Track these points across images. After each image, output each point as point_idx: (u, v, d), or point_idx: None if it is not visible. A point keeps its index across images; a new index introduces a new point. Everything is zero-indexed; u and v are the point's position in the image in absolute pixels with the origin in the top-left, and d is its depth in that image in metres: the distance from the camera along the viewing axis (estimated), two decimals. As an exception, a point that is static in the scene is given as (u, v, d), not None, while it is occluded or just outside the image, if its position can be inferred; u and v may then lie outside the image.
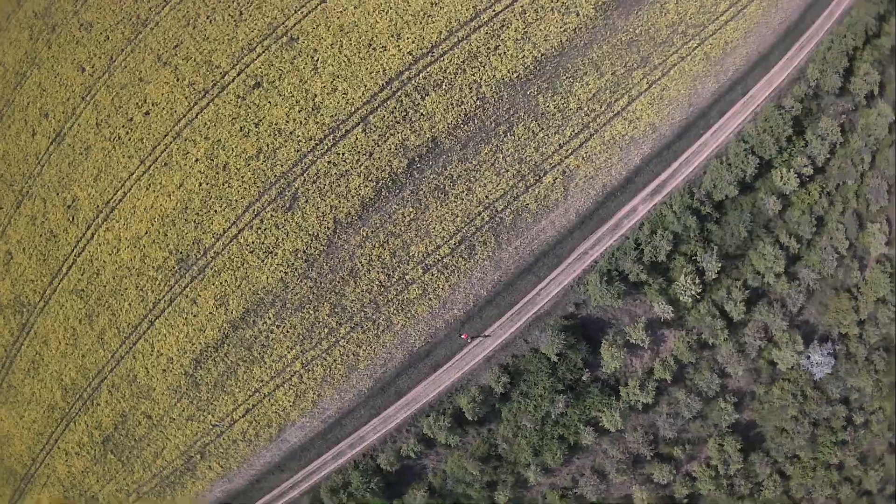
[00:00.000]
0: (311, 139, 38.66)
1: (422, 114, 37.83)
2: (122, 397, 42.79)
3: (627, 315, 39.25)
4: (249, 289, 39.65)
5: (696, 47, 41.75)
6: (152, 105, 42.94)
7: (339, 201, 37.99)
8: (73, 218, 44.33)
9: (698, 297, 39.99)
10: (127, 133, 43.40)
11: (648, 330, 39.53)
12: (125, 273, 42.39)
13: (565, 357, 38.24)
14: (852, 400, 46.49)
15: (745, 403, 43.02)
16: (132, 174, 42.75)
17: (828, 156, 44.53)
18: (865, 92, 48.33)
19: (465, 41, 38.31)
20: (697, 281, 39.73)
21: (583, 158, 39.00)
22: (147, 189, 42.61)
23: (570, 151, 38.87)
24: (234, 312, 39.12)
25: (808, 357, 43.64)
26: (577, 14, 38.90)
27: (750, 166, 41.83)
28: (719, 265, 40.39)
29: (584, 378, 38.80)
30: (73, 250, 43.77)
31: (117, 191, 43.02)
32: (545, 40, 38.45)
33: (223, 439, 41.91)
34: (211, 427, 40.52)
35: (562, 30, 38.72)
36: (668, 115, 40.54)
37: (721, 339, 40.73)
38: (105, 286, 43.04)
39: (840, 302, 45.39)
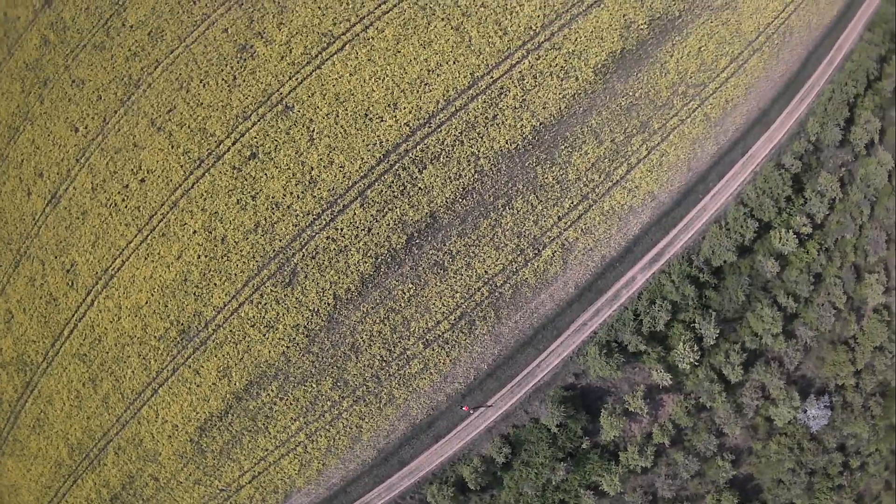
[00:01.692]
0: (308, 213, 38.46)
1: (420, 188, 37.61)
2: (129, 459, 43.36)
3: (626, 383, 39.63)
4: (252, 362, 39.86)
5: (696, 108, 41.24)
6: (148, 172, 42.50)
7: (339, 277, 38.00)
8: (72, 283, 44.32)
9: (696, 363, 40.31)
10: (123, 200, 43.10)
11: (647, 397, 40.03)
12: (127, 341, 42.56)
13: (565, 427, 38.84)
14: (848, 446, 47.26)
15: (742, 459, 43.59)
16: (130, 243, 42.53)
17: (827, 212, 44.57)
18: (865, 141, 48.05)
19: (462, 111, 37.82)
20: (696, 348, 39.96)
21: (581, 230, 38.84)
22: (146, 259, 42.47)
23: (568, 224, 38.69)
24: (237, 384, 39.46)
25: (805, 411, 44.17)
26: (577, 79, 38.31)
27: (749, 230, 41.78)
28: (717, 331, 40.65)
29: (583, 446, 39.42)
30: (73, 315, 43.88)
31: (116, 259, 42.93)
32: (544, 108, 37.91)
33: (230, 503, 42.81)
34: (218, 491, 41.23)
35: (560, 96, 38.19)
36: (668, 182, 40.32)
37: (719, 402, 41.11)
38: (108, 352, 43.25)
39: (837, 355, 45.58)
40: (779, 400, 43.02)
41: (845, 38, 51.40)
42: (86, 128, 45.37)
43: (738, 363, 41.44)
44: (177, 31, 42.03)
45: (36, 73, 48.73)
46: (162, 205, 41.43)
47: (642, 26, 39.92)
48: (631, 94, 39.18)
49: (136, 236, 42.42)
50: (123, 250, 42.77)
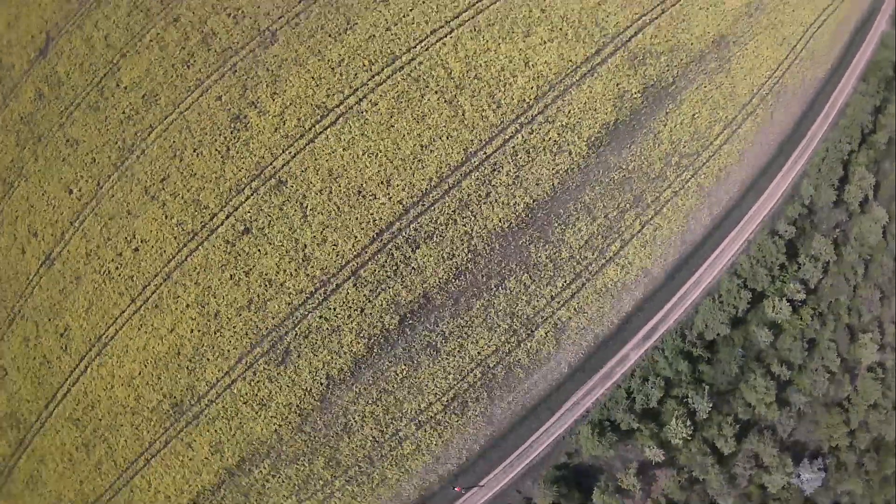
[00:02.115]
0: (301, 292, 38.27)
1: (413, 268, 37.38)
2: (122, 523, 43.44)
3: (619, 460, 39.29)
4: (244, 438, 39.53)
5: (690, 179, 41.04)
6: (142, 241, 42.22)
7: (332, 357, 37.73)
8: (66, 347, 44.09)
9: (689, 437, 39.95)
10: (117, 268, 42.80)
11: (640, 473, 39.68)
12: (120, 410, 42.29)
13: (558, 505, 39.66)
14: (843, 502, 47.31)
15: (735, 527, 44.56)
16: (123, 312, 42.23)
17: (821, 276, 44.51)
18: (860, 199, 47.96)
19: (456, 188, 37.69)
20: (688, 423, 39.68)
21: (575, 309, 38.57)
22: (139, 329, 42.19)
23: (561, 303, 38.48)
24: (229, 460, 39.23)
25: (799, 475, 43.73)
26: (570, 153, 38.19)
27: (742, 301, 41.62)
28: (710, 405, 40.36)
29: (576, 523, 40.31)
30: (67, 379, 43.61)
31: (109, 327, 42.65)
32: (537, 184, 37.70)
33: (223, 571, 42.61)
34: None
35: (554, 171, 38.02)
36: (661, 256, 40.07)
37: (712, 474, 40.70)
38: (101, 419, 42.98)
39: (831, 417, 45.32)
40: (772, 467, 42.61)
41: (839, 92, 50.97)
42: (80, 190, 45.18)
43: (730, 435, 41.14)
44: (171, 96, 41.93)
45: (30, 127, 48.64)
46: (155, 276, 41.25)
47: (636, 95, 39.76)
48: (624, 167, 39.03)
49: (129, 306, 42.23)
50: (117, 319, 42.55)
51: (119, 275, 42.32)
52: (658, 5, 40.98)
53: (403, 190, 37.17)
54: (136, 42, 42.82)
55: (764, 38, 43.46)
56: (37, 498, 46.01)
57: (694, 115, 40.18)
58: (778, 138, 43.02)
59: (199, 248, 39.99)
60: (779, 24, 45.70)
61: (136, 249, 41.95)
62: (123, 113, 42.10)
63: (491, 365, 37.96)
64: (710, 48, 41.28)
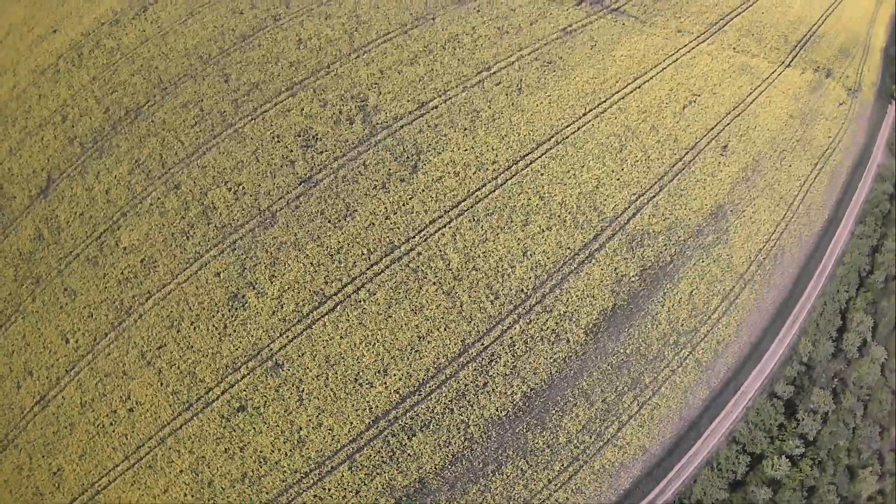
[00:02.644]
0: (296, 472, 38.12)
1: (409, 454, 37.25)
2: None
3: None
4: None
5: (688, 356, 41.26)
6: (136, 403, 42.17)
7: (326, 538, 38.76)
8: (58, 485, 43.76)
9: None
10: (111, 424, 42.72)
11: None
12: (112, 564, 42.55)
13: None
14: None
15: None
16: (117, 466, 42.10)
17: (819, 427, 44.57)
18: (858, 344, 48.11)
19: (453, 378, 37.64)
20: None
21: (572, 491, 38.42)
22: (132, 485, 41.95)
23: (559, 485, 38.33)
24: None
25: None
26: (568, 341, 38.15)
27: (741, 466, 41.70)
28: (708, 576, 41.66)
29: None
30: (60, 518, 43.95)
31: (102, 477, 42.44)
32: (534, 373, 37.79)
33: None
34: None
35: (551, 360, 38.03)
36: (659, 434, 40.16)
37: None
38: (92, 569, 43.27)
39: (832, 559, 46.71)
40: None
41: (836, 241, 51.04)
42: (76, 342, 45.11)
43: None
44: (169, 266, 42.04)
45: (29, 266, 48.54)
46: (150, 438, 41.22)
47: (634, 278, 39.98)
48: (622, 351, 39.08)
49: (122, 461, 42.05)
50: (110, 471, 42.33)
51: (113, 431, 42.17)
52: (656, 183, 41.39)
53: (400, 380, 37.10)
54: (137, 203, 42.97)
55: (761, 200, 43.96)
56: None
57: (692, 291, 40.42)
58: (776, 302, 43.26)
59: (195, 418, 40.05)
60: (775, 183, 46.05)
61: (131, 410, 41.85)
62: (122, 274, 42.17)
63: (486, 549, 39.10)
64: (707, 221, 41.53)
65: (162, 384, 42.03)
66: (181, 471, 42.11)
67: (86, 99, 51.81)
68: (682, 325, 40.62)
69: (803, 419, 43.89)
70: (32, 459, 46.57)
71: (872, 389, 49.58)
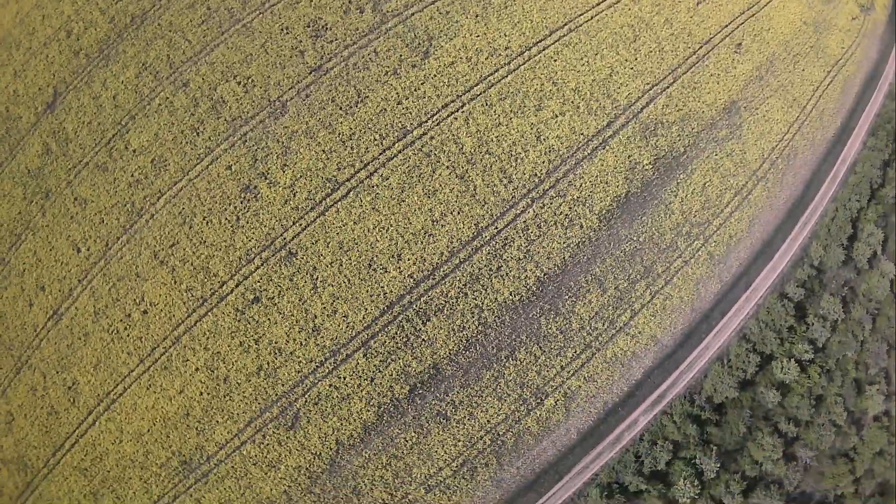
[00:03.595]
0: (311, 361, 38.36)
1: (423, 339, 37.47)
2: (132, 572, 43.90)
3: (626, 522, 40.91)
4: (253, 498, 39.91)
5: (700, 248, 41.13)
6: (150, 305, 42.21)
7: (342, 424, 38.00)
8: (73, 400, 44.23)
9: (697, 495, 40.66)
10: (125, 329, 42.85)
11: (647, 536, 41.43)
12: (128, 464, 42.54)
13: (565, 566, 40.19)
14: None
15: (738, 580, 45.18)
16: (132, 371, 42.38)
17: (829, 334, 44.67)
18: (868, 255, 48.23)
19: (466, 262, 37.68)
20: (696, 482, 40.26)
21: (584, 378, 38.86)
22: (148, 388, 42.35)
23: (571, 373, 38.71)
24: (238, 519, 40.76)
25: (804, 529, 45.66)
26: (581, 226, 38.13)
27: (751, 365, 42.03)
28: (718, 465, 40.94)
29: (582, 584, 40.95)
30: (75, 430, 43.79)
31: (118, 384, 42.78)
32: (548, 258, 37.77)
33: None
34: None
35: (565, 245, 38.01)
36: (671, 325, 40.26)
37: (718, 533, 42.76)
38: (109, 471, 43.26)
39: (837, 468, 45.77)
40: (778, 523, 44.73)
41: (849, 149, 50.86)
42: (88, 249, 45.05)
43: (738, 491, 41.65)
44: (180, 163, 41.64)
45: (38, 181, 48.43)
46: (164, 339, 41.22)
47: (647, 166, 39.83)
48: (635, 238, 38.99)
49: (137, 366, 42.29)
50: (125, 377, 42.63)
51: (128, 335, 42.38)
52: (669, 74, 40.96)
53: (414, 264, 37.13)
54: (145, 105, 42.50)
55: (774, 100, 43.50)
56: (45, 543, 46.74)
57: (705, 183, 40.29)
58: (788, 202, 43.17)
59: (209, 314, 40.02)
60: (789, 84, 45.63)
61: (145, 312, 41.96)
62: (132, 176, 41.91)
63: (500, 432, 38.23)
64: (720, 115, 41.25)
65: (175, 282, 41.90)
66: (196, 369, 42.31)
67: (90, 12, 50.88)
68: (695, 216, 40.52)
69: (813, 324, 43.94)
70: (47, 377, 46.92)
71: (881, 304, 49.82)
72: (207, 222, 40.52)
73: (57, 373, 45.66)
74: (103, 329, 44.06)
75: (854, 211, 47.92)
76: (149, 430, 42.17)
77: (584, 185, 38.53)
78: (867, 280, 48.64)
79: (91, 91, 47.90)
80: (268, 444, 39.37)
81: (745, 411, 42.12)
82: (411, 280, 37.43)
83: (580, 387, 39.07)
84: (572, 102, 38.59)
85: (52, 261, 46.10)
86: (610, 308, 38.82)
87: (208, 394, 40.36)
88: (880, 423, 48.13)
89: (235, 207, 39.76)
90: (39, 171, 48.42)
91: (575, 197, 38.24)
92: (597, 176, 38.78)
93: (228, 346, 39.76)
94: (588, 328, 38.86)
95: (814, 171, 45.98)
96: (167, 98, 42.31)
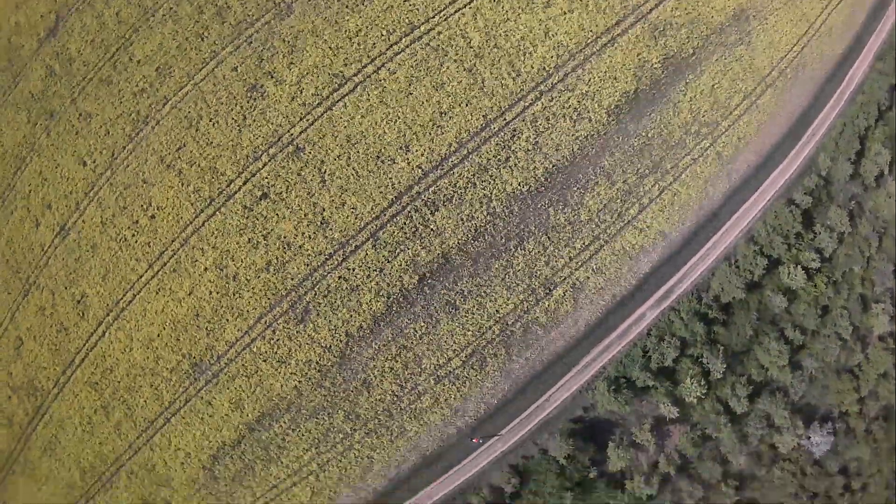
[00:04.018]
0: (320, 254, 38.55)
1: (432, 230, 37.69)
2: (142, 484, 44.14)
3: (634, 415, 40.27)
4: (264, 395, 40.40)
5: (709, 147, 41.24)
6: (158, 209, 42.28)
7: (351, 316, 38.28)
8: (83, 314, 44.57)
9: (703, 395, 41.07)
10: (133, 235, 42.99)
11: (654, 429, 40.69)
12: (139, 372, 43.01)
13: (573, 458, 39.75)
14: (851, 469, 47.90)
15: (745, 484, 44.28)
16: (141, 277, 42.57)
17: (835, 246, 45.05)
18: (875, 174, 48.37)
19: (475, 153, 37.86)
20: (703, 382, 40.68)
21: (593, 270, 39.07)
22: (157, 293, 42.61)
23: (580, 264, 38.98)
24: (249, 416, 40.03)
25: (809, 438, 44.85)
26: (590, 120, 38.28)
27: (758, 267, 42.24)
28: (724, 365, 41.29)
29: (590, 475, 40.31)
30: (84, 344, 44.22)
31: (127, 292, 43.04)
32: (556, 150, 37.88)
33: (243, 527, 43.73)
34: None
35: (573, 138, 38.15)
36: (679, 221, 40.43)
37: (724, 433, 41.85)
38: (119, 382, 43.73)
39: (842, 383, 46.30)
40: (783, 428, 43.74)
41: (857, 68, 51.09)
42: (94, 162, 45.06)
43: (744, 395, 42.17)
44: (185, 69, 41.56)
45: (42, 104, 48.31)
46: (172, 241, 41.31)
47: (656, 65, 39.78)
48: (644, 134, 39.13)
49: (146, 271, 42.42)
50: (134, 284, 42.87)
51: (136, 241, 42.53)
52: (677, -27, 41.17)
53: (422, 155, 37.28)
54: (149, 17, 42.29)
55: (783, 13, 43.15)
56: (55, 463, 46.94)
57: (714, 85, 40.24)
58: (796, 111, 43.11)
59: (217, 213, 40.06)
60: (796, -3, 45.68)
61: (153, 216, 42.03)
62: (137, 86, 41.84)
63: (509, 323, 38.58)
64: (729, 21, 41.07)
65: (183, 184, 41.90)
66: (205, 269, 42.39)
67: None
68: (704, 116, 40.56)
69: (820, 233, 44.10)
70: (55, 295, 47.22)
71: (888, 224, 50.25)
72: (214, 123, 40.52)
73: (65, 288, 45.89)
74: (111, 238, 44.05)
75: (861, 129, 47.94)
76: (159, 336, 42.52)
77: (592, 79, 38.54)
78: (874, 198, 48.98)
79: (94, 11, 47.45)
80: (278, 340, 39.55)
81: (752, 314, 42.39)
82: (419, 171, 37.64)
83: (588, 278, 39.32)
84: (581, 0, 38.56)
85: (58, 178, 46.20)
86: (618, 201, 39.06)
87: (218, 293, 40.37)
88: (885, 343, 48.54)
89: (242, 107, 39.78)
90: (43, 94, 48.29)
91: (583, 91, 38.25)
92: (605, 72, 38.77)
93: (237, 243, 39.81)
94: (596, 220, 39.10)
95: (822, 84, 45.95)
96: (171, 8, 42.11)
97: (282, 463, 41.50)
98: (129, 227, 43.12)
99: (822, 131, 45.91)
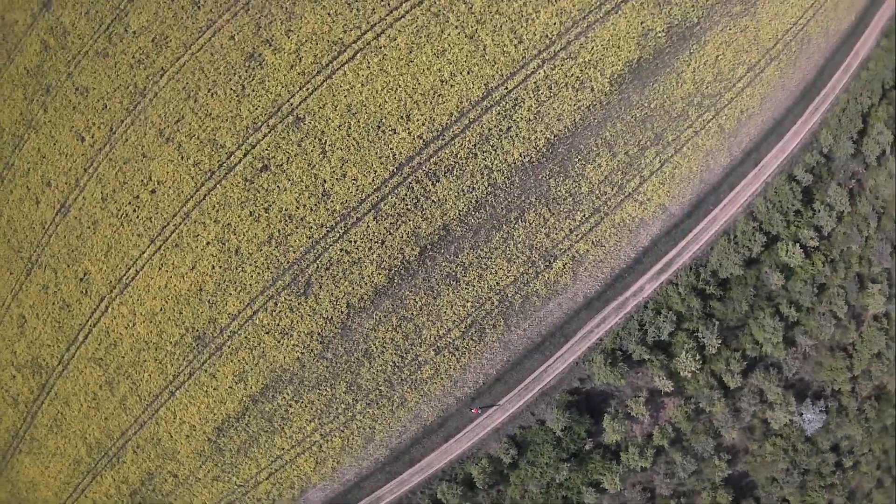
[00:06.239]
0: (322, 226, 38.61)
1: (433, 201, 37.73)
2: (148, 457, 44.97)
3: (630, 388, 40.90)
4: (267, 367, 40.89)
5: (711, 119, 41.06)
6: (158, 183, 42.10)
7: (353, 288, 38.51)
8: (86, 290, 44.72)
9: (698, 370, 41.54)
10: (134, 211, 42.86)
11: (648, 401, 41.38)
12: (143, 346, 43.42)
13: (570, 429, 40.42)
14: (842, 447, 48.87)
15: (738, 458, 45.30)
16: (143, 253, 42.55)
17: (834, 224, 45.16)
18: (877, 153, 48.29)
19: (476, 123, 37.62)
20: (698, 356, 41.11)
21: (592, 243, 39.27)
22: (160, 269, 42.64)
23: (580, 236, 39.12)
24: (253, 388, 40.61)
25: (801, 414, 45.59)
26: (592, 89, 37.87)
27: (757, 244, 42.39)
28: (719, 340, 41.71)
29: (586, 447, 41.14)
30: (88, 321, 44.48)
31: (129, 268, 43.09)
32: (558, 120, 37.64)
33: (248, 497, 44.66)
34: (236, 487, 42.71)
35: (575, 107, 37.83)
36: (679, 194, 40.47)
37: (718, 406, 42.55)
38: (123, 357, 44.16)
39: (835, 361, 46.86)
40: (776, 404, 44.50)
41: (862, 44, 50.39)
42: (92, 137, 44.69)
43: (738, 370, 42.79)
44: (182, 38, 40.88)
45: (38, 79, 47.70)
46: (174, 216, 41.26)
47: (660, 34, 39.24)
48: (646, 105, 38.84)
49: (148, 246, 42.41)
50: (137, 260, 42.86)
51: (137, 217, 42.52)
52: (681, -62, 40.27)
53: (423, 124, 37.04)
54: None
55: None
56: (62, 440, 47.69)
57: (717, 56, 39.78)
58: (800, 85, 42.79)
59: (218, 186, 39.99)
60: (802, -33, 44.72)
61: (153, 191, 41.88)
62: (133, 57, 41.21)
63: (509, 294, 38.93)
64: (734, -12, 41.05)
65: (182, 158, 41.68)
66: (207, 243, 42.49)
67: None
68: (707, 87, 40.28)
69: (819, 211, 44.20)
70: (58, 273, 47.34)
71: (887, 204, 50.26)
72: (212, 94, 40.11)
73: (68, 266, 46.03)
74: (112, 214, 43.99)
75: (865, 106, 47.66)
76: (162, 310, 42.79)
77: (595, 48, 38.08)
78: (875, 177, 48.90)
79: (87, -22, 47.02)
80: (280, 312, 39.83)
81: (748, 289, 42.65)
82: (420, 141, 37.42)
83: (588, 251, 39.55)
84: (584, -37, 38.85)
85: (57, 154, 45.96)
86: (619, 173, 39.03)
87: (220, 267, 40.48)
88: (879, 323, 48.87)
89: (240, 77, 39.28)
90: (38, 69, 47.66)
91: (586, 60, 37.83)
92: (609, 40, 38.25)
93: (239, 216, 39.82)
94: (597, 192, 39.16)
95: (827, 58, 45.44)
96: (166, -27, 42.35)
97: (285, 434, 42.23)
98: (129, 203, 42.98)
99: (824, 107, 45.56)
